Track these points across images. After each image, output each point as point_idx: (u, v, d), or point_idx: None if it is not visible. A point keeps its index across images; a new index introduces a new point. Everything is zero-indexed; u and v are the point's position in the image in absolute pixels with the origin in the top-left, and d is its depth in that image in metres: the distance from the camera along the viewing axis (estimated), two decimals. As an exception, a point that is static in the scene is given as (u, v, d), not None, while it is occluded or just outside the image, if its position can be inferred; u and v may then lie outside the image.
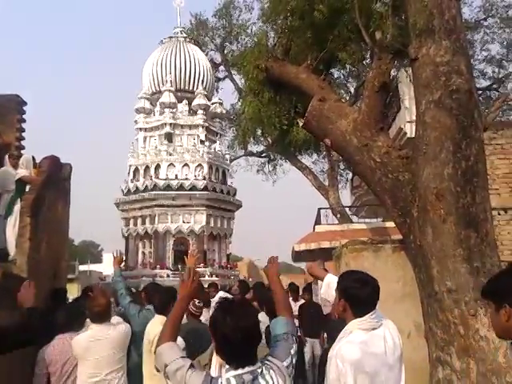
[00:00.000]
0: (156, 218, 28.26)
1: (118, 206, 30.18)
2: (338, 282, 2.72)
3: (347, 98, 15.05)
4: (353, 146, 5.22)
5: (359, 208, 16.82)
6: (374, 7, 6.88)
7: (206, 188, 28.80)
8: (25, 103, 9.36)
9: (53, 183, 6.88)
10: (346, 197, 19.34)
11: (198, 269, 26.01)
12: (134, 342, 4.50)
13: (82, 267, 33.14)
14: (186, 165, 29.46)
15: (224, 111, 27.30)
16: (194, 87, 31.28)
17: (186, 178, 28.98)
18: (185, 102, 30.88)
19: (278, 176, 21.24)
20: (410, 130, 10.08)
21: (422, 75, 4.65)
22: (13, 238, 6.32)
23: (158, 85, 31.37)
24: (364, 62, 10.98)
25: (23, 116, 9.34)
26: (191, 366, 2.05)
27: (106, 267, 33.85)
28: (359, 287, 2.58)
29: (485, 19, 14.82)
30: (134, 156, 30.68)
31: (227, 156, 29.21)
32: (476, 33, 14.74)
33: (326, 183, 17.43)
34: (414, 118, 7.15)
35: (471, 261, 4.04)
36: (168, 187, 28.44)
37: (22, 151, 8.77)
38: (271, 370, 2.04)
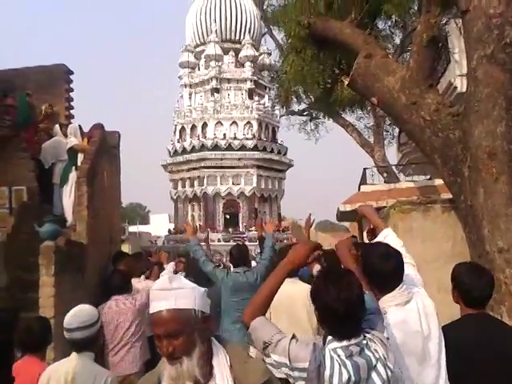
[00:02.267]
0: (205, 180, 27.05)
1: (166, 168, 28.93)
2: (361, 256, 2.55)
3: (393, 50, 14.50)
4: (401, 104, 5.10)
5: (406, 165, 16.43)
6: (421, -45, 6.51)
7: (255, 147, 27.11)
8: (71, 72, 9.57)
9: (104, 151, 7.13)
10: (392, 154, 18.94)
11: (249, 232, 24.83)
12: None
13: (131, 228, 33.94)
14: (234, 122, 27.67)
15: (273, 62, 24.88)
16: (240, 37, 28.79)
17: (235, 138, 27.34)
18: (231, 53, 28.67)
19: (321, 134, 20.99)
20: (461, 84, 9.64)
21: (473, 28, 4.42)
22: (69, 205, 6.65)
23: (203, 36, 28.98)
24: (410, 12, 10.51)
25: (70, 85, 9.58)
26: (294, 336, 1.97)
27: (153, 228, 34.56)
28: (381, 262, 2.42)
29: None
30: (179, 114, 28.97)
31: (276, 111, 27.12)
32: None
33: (372, 140, 17.09)
34: (464, 71, 6.86)
35: (523, 220, 3.96)
36: (216, 147, 26.91)
37: (72, 120, 9.06)
38: (375, 342, 1.98)
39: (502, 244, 4.00)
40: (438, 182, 8.24)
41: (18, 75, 8.40)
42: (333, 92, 9.82)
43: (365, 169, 14.37)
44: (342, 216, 14.00)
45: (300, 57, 8.44)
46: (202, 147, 27.10)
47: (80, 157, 6.90)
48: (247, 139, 27.26)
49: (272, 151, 28.38)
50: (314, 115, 20.14)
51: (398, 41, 15.28)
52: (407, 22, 12.83)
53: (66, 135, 7.42)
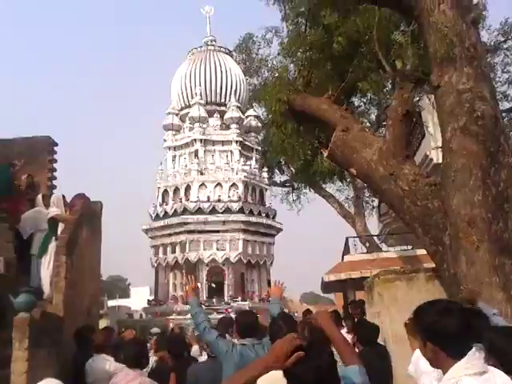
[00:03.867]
0: (187, 246, 25.35)
1: (147, 233, 27.39)
2: (414, 320, 2.19)
3: (369, 125, 15.10)
4: (379, 174, 5.24)
5: (388, 235, 16.62)
6: (392, 37, 7.00)
7: (241, 210, 25.61)
8: (56, 144, 9.69)
9: (85, 222, 7.05)
10: (373, 224, 19.13)
11: (235, 302, 22.50)
12: None
13: (110, 302, 32.75)
14: (218, 184, 26.45)
15: (260, 125, 23.99)
16: (226, 99, 28.54)
17: (219, 200, 25.89)
18: (216, 115, 28.21)
19: (303, 205, 21.22)
20: (436, 156, 10.02)
21: (445, 103, 4.68)
22: (47, 277, 6.45)
23: (187, 98, 28.69)
24: (384, 90, 11.09)
25: (54, 156, 9.66)
26: None
27: (133, 302, 33.48)
28: (443, 320, 2.01)
29: (504, 41, 14.83)
30: (162, 177, 27.97)
31: (264, 174, 25.73)
32: (496, 55, 14.72)
33: (352, 211, 17.32)
34: (439, 144, 7.15)
35: (508, 288, 3.97)
36: (199, 210, 25.43)
37: (54, 191, 9.03)
38: None
39: (487, 313, 3.98)
40: (421, 251, 8.30)
41: (2, 146, 8.46)
42: (313, 164, 10.08)
43: (347, 238, 14.48)
44: (327, 286, 13.87)
45: (280, 131, 8.75)
46: (185, 210, 25.64)
47: (61, 227, 6.80)
48: (232, 201, 25.76)
49: (260, 214, 26.73)
50: (296, 186, 20.49)
51: (373, 117, 15.97)
52: (382, 99, 13.46)
53: (47, 205, 7.35)
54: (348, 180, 16.93)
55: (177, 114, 29.10)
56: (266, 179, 25.57)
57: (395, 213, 5.75)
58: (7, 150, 8.32)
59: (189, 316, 21.78)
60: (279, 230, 28.19)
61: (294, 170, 18.38)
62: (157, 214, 26.94)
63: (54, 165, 9.59)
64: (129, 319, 24.19)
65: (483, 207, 4.19)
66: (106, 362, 4.73)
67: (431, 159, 10.77)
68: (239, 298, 23.72)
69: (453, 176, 4.44)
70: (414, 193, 4.85)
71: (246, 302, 23.64)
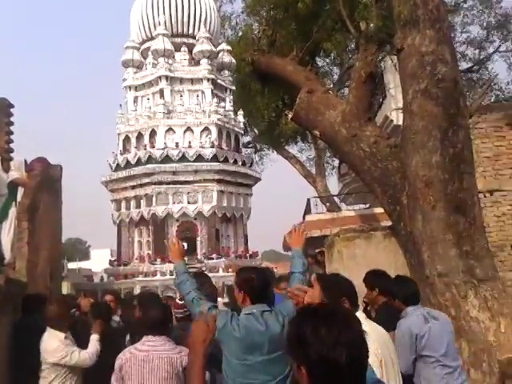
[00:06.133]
0: (153, 199, 22.46)
1: (107, 186, 24.02)
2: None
3: (331, 85, 15.13)
4: (342, 136, 5.32)
5: (347, 195, 16.98)
6: (357, -3, 6.95)
7: (215, 158, 22.63)
8: (12, 106, 9.29)
9: (45, 186, 6.92)
10: (333, 184, 19.46)
11: (209, 260, 21.24)
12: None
13: (70, 265, 32.12)
14: (188, 129, 23.24)
15: (234, 61, 21.00)
16: (194, 30, 24.59)
17: (190, 146, 22.72)
18: (184, 49, 24.48)
19: (265, 166, 21.28)
20: (397, 118, 10.20)
21: (407, 65, 4.74)
22: (8, 242, 6.35)
23: (149, 29, 24.69)
24: (347, 50, 11.10)
25: (11, 119, 9.28)
26: None
27: (94, 264, 32.85)
28: None
29: (464, 1, 14.96)
30: (122, 122, 24.34)
31: (240, 117, 22.98)
32: (456, 15, 14.86)
33: (313, 171, 17.58)
34: (400, 105, 7.27)
35: (460, 245, 4.19)
36: (167, 159, 22.37)
37: (12, 155, 8.74)
38: None
39: (441, 268, 4.20)
40: (379, 210, 8.57)
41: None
42: (277, 125, 10.10)
43: (308, 199, 14.75)
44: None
45: (245, 91, 8.68)
46: (150, 159, 22.41)
47: (20, 191, 6.65)
48: (204, 148, 22.62)
49: (235, 162, 23.55)
50: (259, 148, 20.47)
51: (336, 77, 16.01)
52: (344, 59, 13.48)
53: (7, 170, 7.13)
54: (310, 141, 17.08)
55: (138, 49, 25.09)
56: (241, 123, 23.45)
57: (356, 174, 5.89)
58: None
59: (158, 277, 20.72)
60: (257, 179, 25.18)
61: (257, 132, 18.33)
62: (117, 164, 23.53)
63: (11, 128, 9.25)
64: (88, 282, 22.94)
65: (440, 168, 4.35)
66: (55, 342, 3.93)
67: (391, 120, 10.95)
68: (214, 256, 21.65)
69: (413, 138, 4.56)
70: (375, 154, 4.98)
71: (222, 260, 21.79)
